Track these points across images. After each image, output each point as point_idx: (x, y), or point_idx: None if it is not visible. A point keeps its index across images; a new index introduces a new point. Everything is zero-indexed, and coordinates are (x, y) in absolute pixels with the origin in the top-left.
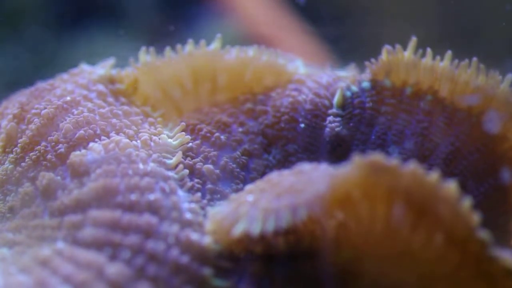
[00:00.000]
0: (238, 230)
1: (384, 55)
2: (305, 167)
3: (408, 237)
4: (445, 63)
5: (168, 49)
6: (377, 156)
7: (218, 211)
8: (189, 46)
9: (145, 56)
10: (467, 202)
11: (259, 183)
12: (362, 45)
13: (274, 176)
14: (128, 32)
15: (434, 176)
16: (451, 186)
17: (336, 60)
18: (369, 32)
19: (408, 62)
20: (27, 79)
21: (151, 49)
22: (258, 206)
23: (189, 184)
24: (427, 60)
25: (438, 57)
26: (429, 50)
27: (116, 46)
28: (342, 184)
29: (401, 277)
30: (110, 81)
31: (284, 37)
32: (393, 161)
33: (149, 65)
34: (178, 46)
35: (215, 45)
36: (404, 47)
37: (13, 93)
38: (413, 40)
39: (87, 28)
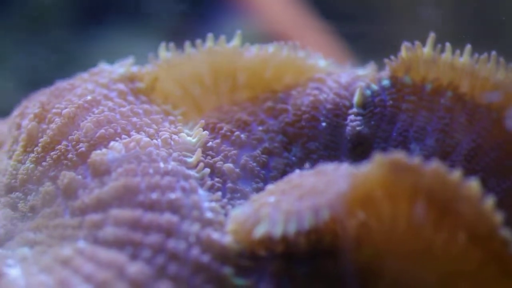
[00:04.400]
0: (259, 231)
1: (403, 52)
2: (326, 167)
3: (430, 236)
4: (464, 58)
5: (187, 45)
6: (398, 155)
7: (240, 212)
8: (209, 42)
9: (165, 52)
10: (489, 201)
11: (280, 184)
12: (380, 43)
13: (295, 176)
14: (148, 30)
15: (456, 174)
16: (474, 185)
17: (355, 58)
18: (387, 29)
19: (428, 58)
20: (47, 78)
21: (171, 45)
22: (280, 208)
23: (210, 183)
24: (447, 55)
25: (457, 52)
26: (448, 45)
27: (136, 45)
28: (364, 183)
29: (423, 275)
30: (130, 79)
31: (304, 35)
32: (415, 159)
33: (169, 62)
34: (198, 42)
35: (235, 42)
36: (423, 44)
37: (33, 92)
38: (432, 36)
39: (107, 26)
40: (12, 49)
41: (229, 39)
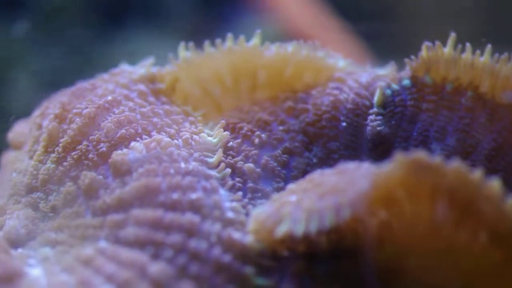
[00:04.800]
0: (281, 230)
1: (424, 52)
2: (348, 166)
3: (452, 235)
4: (485, 58)
5: (207, 45)
6: (419, 154)
7: (261, 211)
8: (229, 41)
9: (185, 52)
10: (511, 201)
11: (302, 183)
12: (400, 43)
13: (317, 175)
14: (167, 30)
15: (477, 174)
16: (495, 184)
17: (374, 58)
18: (407, 29)
19: (448, 58)
20: (67, 78)
21: (191, 45)
22: (301, 207)
23: (230, 183)
24: (467, 55)
25: (478, 52)
26: (468, 45)
27: (155, 45)
28: (385, 182)
29: (444, 275)
30: (151, 80)
31: (323, 35)
32: (436, 159)
33: (189, 62)
34: (218, 41)
35: (255, 41)
36: (443, 44)
37: (53, 93)
38: (452, 36)
39: (126, 27)
40: (32, 50)
41: (247, 38)
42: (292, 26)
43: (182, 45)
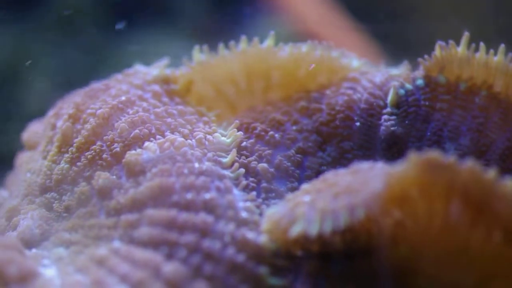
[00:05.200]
0: (295, 230)
1: (437, 51)
2: (362, 166)
3: (466, 235)
4: (498, 57)
5: (221, 47)
6: (433, 154)
7: (275, 211)
8: (243, 43)
9: (199, 55)
10: None
11: (316, 183)
12: (413, 42)
13: (331, 175)
14: (180, 31)
15: (491, 173)
16: (509, 184)
17: (387, 58)
18: (420, 29)
19: (462, 57)
20: (81, 79)
21: (205, 47)
22: (316, 207)
23: (244, 183)
24: (481, 54)
25: (491, 51)
26: (482, 44)
27: (168, 45)
28: (399, 182)
29: (458, 274)
30: (165, 81)
31: (335, 35)
32: (450, 158)
33: (203, 64)
34: (231, 44)
35: (269, 42)
36: (456, 44)
37: (67, 93)
38: (466, 35)
39: (139, 27)
40: (45, 51)
41: (259, 38)
42: (304, 26)
43: (196, 48)
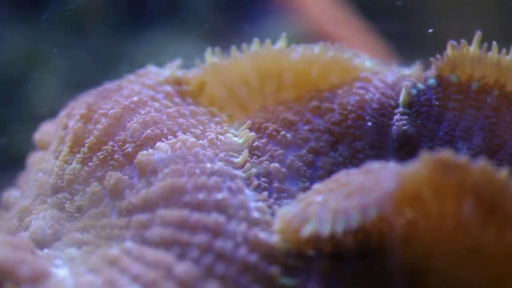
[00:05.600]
0: (307, 230)
1: (449, 51)
2: (373, 165)
3: (478, 235)
4: (511, 56)
5: (233, 49)
6: (445, 153)
7: (287, 211)
8: (255, 45)
9: (212, 57)
10: None
11: (327, 183)
12: (425, 42)
13: (342, 175)
14: (191, 30)
15: (503, 173)
16: None
17: (399, 57)
18: (431, 28)
19: (474, 56)
20: (92, 79)
21: (217, 49)
22: (328, 207)
23: (256, 182)
24: (493, 54)
25: (503, 51)
26: (494, 44)
27: (179, 45)
28: (411, 181)
29: (471, 274)
30: (177, 82)
31: (348, 35)
32: (462, 158)
33: (216, 66)
34: (244, 46)
35: (281, 43)
36: (468, 43)
37: (77, 93)
38: (478, 35)
39: (149, 27)
40: (56, 51)
41: (270, 38)
42: (315, 26)
43: (208, 49)
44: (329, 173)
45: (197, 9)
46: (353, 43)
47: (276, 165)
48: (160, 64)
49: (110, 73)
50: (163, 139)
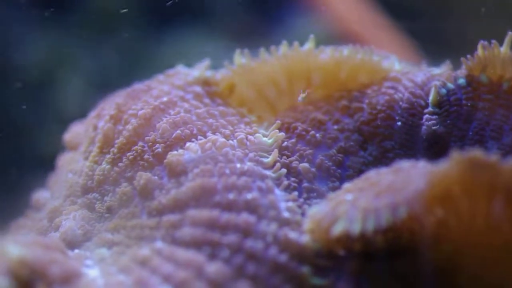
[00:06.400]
0: (337, 229)
1: (479, 51)
2: (403, 164)
3: (508, 233)
4: None
5: (262, 50)
6: (476, 152)
7: (317, 211)
8: (284, 47)
9: (240, 58)
10: None
11: (358, 182)
12: (455, 41)
13: (373, 174)
14: (217, 31)
15: None
16: None
17: (428, 57)
18: (461, 27)
19: (505, 57)
20: (118, 80)
21: (246, 51)
22: (358, 206)
23: (286, 182)
24: None
25: None
26: None
27: (205, 45)
28: (442, 180)
29: (501, 274)
30: (206, 83)
31: (374, 35)
32: (493, 157)
33: (244, 67)
34: (272, 48)
35: (309, 45)
36: (499, 43)
37: (104, 94)
38: (510, 35)
39: (175, 28)
40: (82, 52)
41: (297, 37)
42: (342, 26)
43: (237, 51)
44: (359, 172)
45: (224, 9)
46: (380, 42)
47: (306, 165)
48: (186, 64)
49: (138, 73)
50: (193, 139)
